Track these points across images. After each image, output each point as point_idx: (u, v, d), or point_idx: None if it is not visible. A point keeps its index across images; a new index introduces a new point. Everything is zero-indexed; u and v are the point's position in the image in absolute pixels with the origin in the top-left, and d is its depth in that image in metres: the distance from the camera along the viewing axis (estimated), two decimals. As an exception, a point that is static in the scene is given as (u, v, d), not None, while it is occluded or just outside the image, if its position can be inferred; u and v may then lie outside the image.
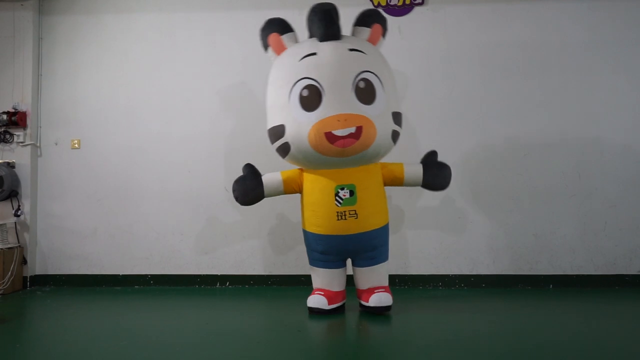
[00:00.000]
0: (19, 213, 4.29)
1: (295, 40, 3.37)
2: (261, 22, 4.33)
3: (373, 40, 3.36)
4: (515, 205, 4.21)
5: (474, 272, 4.20)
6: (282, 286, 4.26)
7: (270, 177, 3.38)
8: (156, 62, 4.43)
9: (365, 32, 3.35)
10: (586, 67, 4.25)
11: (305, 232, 3.39)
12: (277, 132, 3.21)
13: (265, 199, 3.41)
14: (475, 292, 4.06)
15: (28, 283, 4.34)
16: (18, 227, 4.31)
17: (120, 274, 4.36)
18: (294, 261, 4.28)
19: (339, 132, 3.01)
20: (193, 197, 4.36)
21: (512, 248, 4.20)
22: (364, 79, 3.13)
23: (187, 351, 2.64)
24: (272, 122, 3.25)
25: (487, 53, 4.28)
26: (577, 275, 4.14)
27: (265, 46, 3.43)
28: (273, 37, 3.36)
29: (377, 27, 3.37)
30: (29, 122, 4.37)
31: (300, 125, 3.08)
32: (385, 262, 3.39)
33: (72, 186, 4.43)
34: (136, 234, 4.38)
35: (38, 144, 4.43)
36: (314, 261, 3.42)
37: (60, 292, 4.18)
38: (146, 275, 4.35)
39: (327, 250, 3.29)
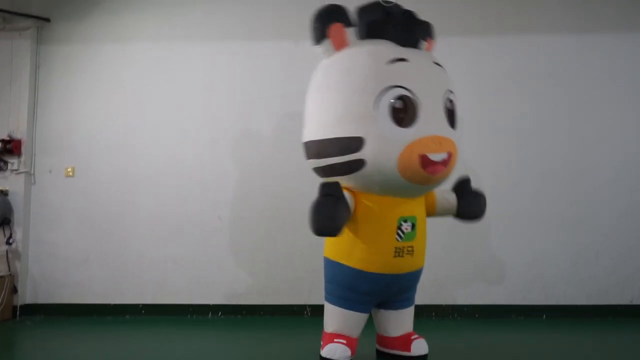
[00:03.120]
0: (10, 241, 4.26)
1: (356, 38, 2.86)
2: (256, 52, 4.47)
3: None
4: (508, 234, 4.23)
5: (468, 302, 4.19)
6: (275, 315, 4.22)
7: (349, 197, 2.77)
8: (152, 91, 4.46)
9: (423, 45, 2.94)
10: (577, 97, 4.32)
11: (343, 267, 2.81)
12: (348, 146, 2.63)
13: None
14: (469, 322, 4.05)
15: (18, 312, 4.28)
16: (9, 255, 4.28)
17: (112, 303, 4.32)
18: (287, 290, 4.26)
19: (434, 157, 2.59)
20: (186, 225, 4.35)
21: (505, 278, 4.20)
22: (450, 99, 2.78)
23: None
24: (340, 133, 2.66)
25: (479, 83, 4.33)
26: (570, 305, 4.15)
27: (320, 38, 2.82)
28: (336, 28, 2.78)
29: (430, 42, 3.01)
30: (23, 149, 4.37)
31: (390, 142, 2.58)
32: (413, 306, 3.07)
33: (65, 214, 4.41)
34: (128, 262, 4.35)
35: (32, 172, 4.42)
36: (342, 301, 2.84)
37: (50, 322, 4.12)
38: (138, 305, 4.31)
39: (372, 290, 2.80)
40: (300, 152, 2.99)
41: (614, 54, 4.35)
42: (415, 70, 2.68)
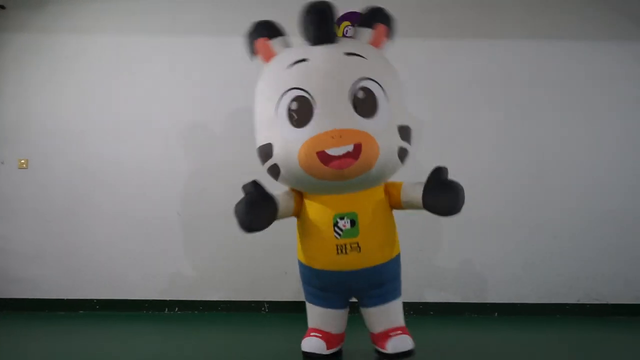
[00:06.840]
0: (-41, 234, 4.13)
1: (287, 46, 2.92)
2: (220, 48, 4.44)
3: (376, 43, 2.87)
4: (464, 234, 4.32)
5: (422, 300, 4.28)
6: (232, 312, 4.22)
7: (282, 195, 2.85)
8: (111, 85, 4.38)
9: (367, 33, 2.86)
10: (531, 102, 4.43)
11: (299, 264, 2.96)
12: (265, 152, 2.76)
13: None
14: (423, 319, 4.13)
15: (-34, 307, 4.17)
16: (-42, 248, 4.15)
17: (65, 298, 4.23)
18: (245, 287, 4.26)
19: (333, 152, 2.53)
20: (144, 220, 4.30)
21: (460, 277, 4.30)
22: (363, 88, 2.64)
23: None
24: (260, 141, 2.81)
25: (435, 87, 4.40)
26: (520, 304, 4.28)
27: (253, 52, 2.95)
28: (260, 43, 2.88)
29: (380, 27, 2.85)
30: (-26, 140, 4.25)
31: (289, 144, 2.63)
32: (398, 299, 2.92)
33: (18, 206, 4.30)
34: (84, 257, 4.28)
35: (-17, 163, 4.30)
36: (310, 297, 2.98)
37: (-1, 317, 4.03)
38: (92, 300, 4.24)
39: (326, 287, 2.86)
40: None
41: (569, 61, 4.45)
42: (313, 68, 2.68)
